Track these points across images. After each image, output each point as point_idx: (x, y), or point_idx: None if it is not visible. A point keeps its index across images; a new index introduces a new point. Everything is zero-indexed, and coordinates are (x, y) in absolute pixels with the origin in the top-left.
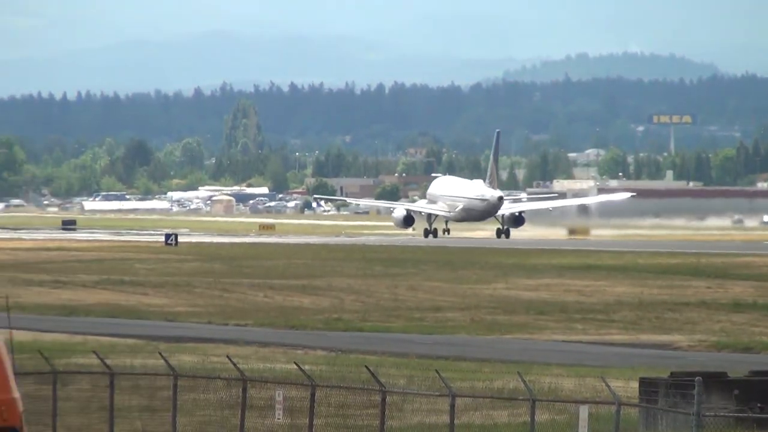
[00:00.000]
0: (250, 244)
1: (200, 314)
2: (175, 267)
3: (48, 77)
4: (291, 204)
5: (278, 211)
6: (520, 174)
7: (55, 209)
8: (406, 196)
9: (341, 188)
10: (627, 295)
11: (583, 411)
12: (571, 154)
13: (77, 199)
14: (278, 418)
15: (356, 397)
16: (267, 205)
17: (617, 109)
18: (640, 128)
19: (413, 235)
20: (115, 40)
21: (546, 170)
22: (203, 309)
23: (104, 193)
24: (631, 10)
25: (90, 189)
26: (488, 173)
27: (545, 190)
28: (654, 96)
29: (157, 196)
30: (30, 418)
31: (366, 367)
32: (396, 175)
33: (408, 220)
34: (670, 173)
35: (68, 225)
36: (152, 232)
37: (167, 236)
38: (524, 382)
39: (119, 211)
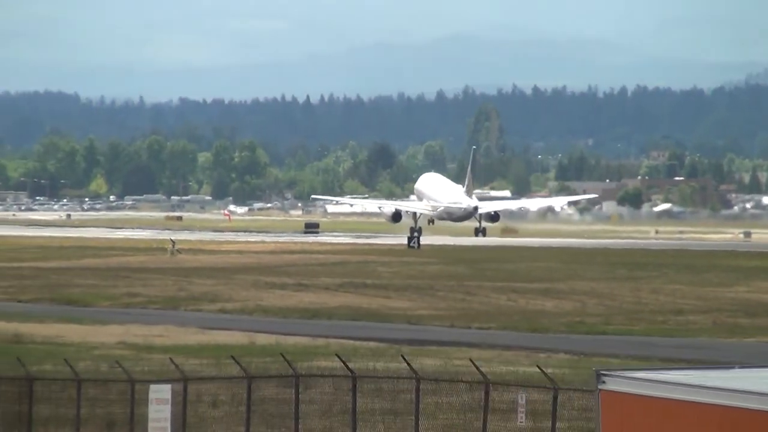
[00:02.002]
0: (493, 246)
1: (443, 317)
2: (417, 270)
3: (291, 81)
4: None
5: (521, 216)
6: (762, 177)
7: (299, 212)
8: (649, 200)
9: (584, 191)
10: None
11: None
12: None
13: (320, 203)
14: (521, 422)
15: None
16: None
17: None
18: None
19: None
20: (358, 43)
21: None
22: (446, 312)
23: (347, 197)
24: None
25: (333, 192)
26: (465, 183)
27: None
28: None
29: (399, 200)
30: (272, 421)
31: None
32: (638, 178)
33: (396, 217)
34: None
35: (311, 228)
36: (394, 234)
37: (410, 239)
38: None
39: (362, 214)
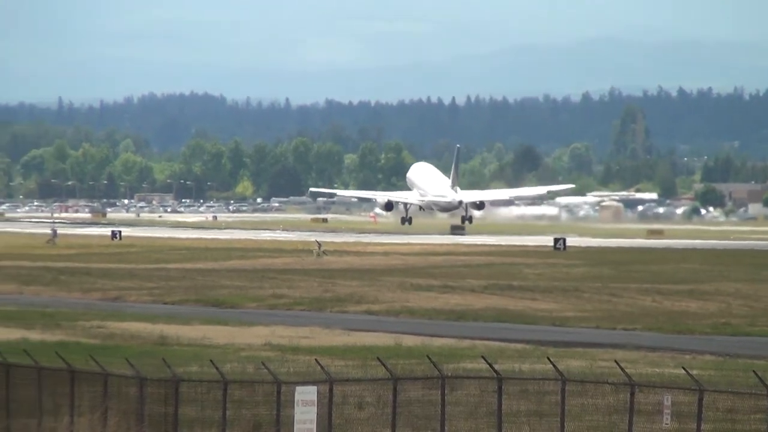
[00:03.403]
0: (638, 248)
1: (588, 319)
2: (563, 272)
3: (437, 82)
4: (679, 210)
5: (667, 217)
6: None
7: (445, 214)
8: None
9: (729, 194)
10: None
11: None
12: None
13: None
14: (666, 424)
15: (744, 402)
16: (655, 211)
17: None
18: None
19: None
20: (504, 44)
21: None
22: (591, 314)
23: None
24: None
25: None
26: (451, 179)
27: None
28: None
29: (545, 202)
30: (418, 422)
31: (754, 372)
32: None
33: (388, 206)
34: None
35: (457, 230)
36: (541, 236)
37: (556, 240)
38: None
39: (507, 216)
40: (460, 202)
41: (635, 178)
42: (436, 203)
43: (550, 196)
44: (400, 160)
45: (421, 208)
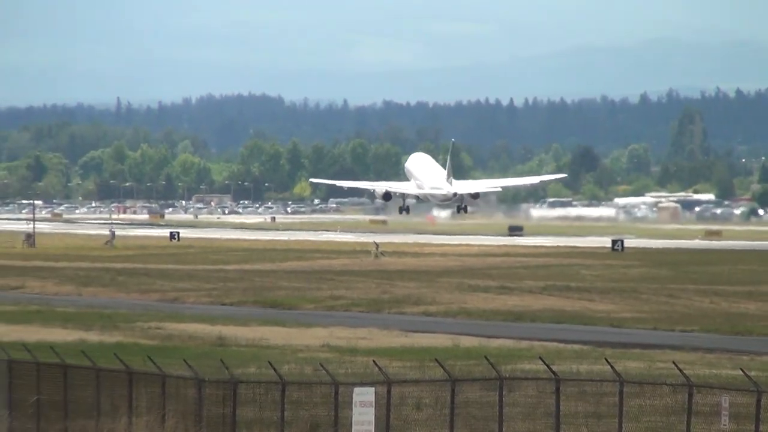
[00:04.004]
0: (696, 249)
1: (646, 320)
2: (621, 273)
3: (494, 83)
4: (737, 211)
5: (724, 219)
6: None
7: (502, 216)
8: None
9: None
10: None
11: None
12: None
13: (524, 206)
14: (724, 425)
15: None
16: (713, 212)
17: None
18: None
19: None
20: (562, 45)
21: None
22: (649, 315)
23: (550, 200)
24: None
25: (536, 195)
26: (446, 172)
27: None
28: None
29: (603, 203)
30: (476, 424)
31: None
32: None
33: (386, 196)
34: None
35: (515, 231)
36: (598, 237)
37: (613, 241)
38: None
39: (565, 218)
40: (455, 194)
41: (693, 179)
42: (432, 195)
43: (540, 185)
44: (458, 162)
45: (417, 198)
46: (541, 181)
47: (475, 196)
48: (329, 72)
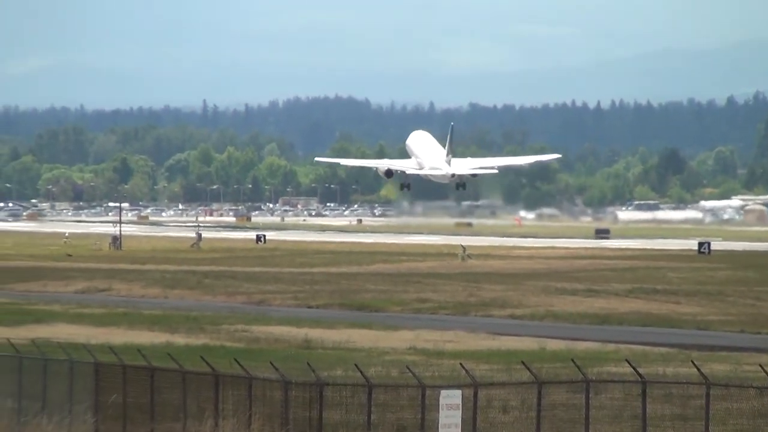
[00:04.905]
0: None
1: (733, 323)
2: (707, 276)
3: (581, 86)
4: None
5: None
6: None
7: (588, 218)
8: None
9: None
10: None
11: None
12: None
13: (610, 209)
14: None
15: None
16: None
17: None
18: None
19: None
20: (648, 48)
21: None
22: (736, 317)
23: (637, 203)
24: None
25: (623, 198)
26: (446, 153)
27: None
28: None
29: (689, 206)
30: (562, 426)
31: None
32: None
33: (388, 173)
34: None
35: (602, 234)
36: (685, 240)
37: (700, 244)
38: None
39: (652, 221)
40: (453, 175)
41: None
42: (432, 175)
43: (536, 165)
44: (545, 164)
45: (418, 175)
46: (536, 161)
47: (474, 177)
48: (416, 74)
